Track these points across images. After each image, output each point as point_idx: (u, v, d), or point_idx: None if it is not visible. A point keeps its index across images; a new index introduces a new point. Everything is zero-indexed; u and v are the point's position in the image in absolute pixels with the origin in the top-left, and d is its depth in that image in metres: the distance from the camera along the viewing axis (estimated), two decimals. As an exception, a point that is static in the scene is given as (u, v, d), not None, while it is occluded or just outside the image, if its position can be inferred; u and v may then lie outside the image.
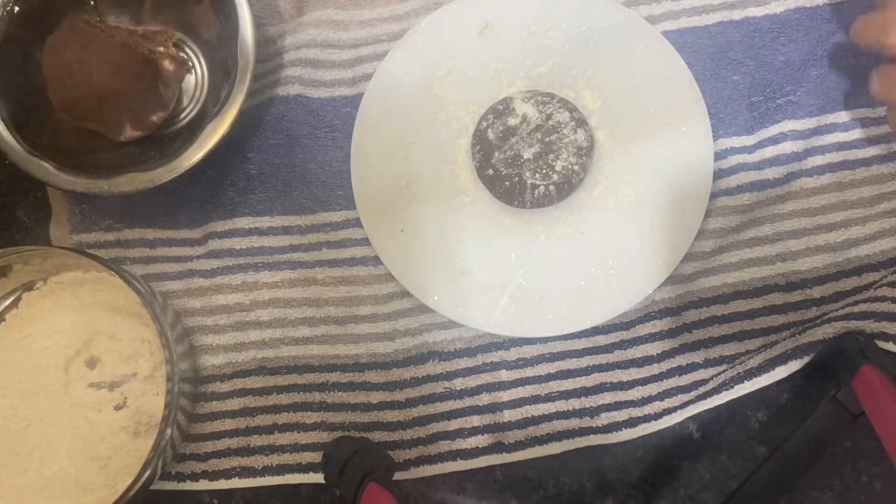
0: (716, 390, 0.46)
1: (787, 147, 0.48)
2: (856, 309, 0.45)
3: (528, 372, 0.48)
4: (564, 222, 0.48)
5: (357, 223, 0.49)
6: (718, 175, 0.48)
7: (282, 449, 0.48)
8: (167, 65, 0.49)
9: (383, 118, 0.50)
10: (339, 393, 0.48)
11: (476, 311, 0.47)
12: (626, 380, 0.47)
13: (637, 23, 0.49)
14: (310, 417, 0.48)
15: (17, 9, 0.47)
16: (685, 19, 0.50)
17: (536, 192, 0.47)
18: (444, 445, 0.47)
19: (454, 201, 0.49)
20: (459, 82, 0.50)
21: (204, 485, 0.48)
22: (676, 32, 0.50)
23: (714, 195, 0.48)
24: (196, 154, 0.46)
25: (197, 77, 0.52)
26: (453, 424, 0.47)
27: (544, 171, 0.47)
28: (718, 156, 0.48)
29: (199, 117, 0.51)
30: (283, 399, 0.48)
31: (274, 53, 0.52)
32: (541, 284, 0.48)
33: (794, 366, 0.45)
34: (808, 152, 0.48)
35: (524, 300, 0.48)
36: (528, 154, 0.48)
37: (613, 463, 0.47)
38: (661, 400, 0.46)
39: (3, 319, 0.49)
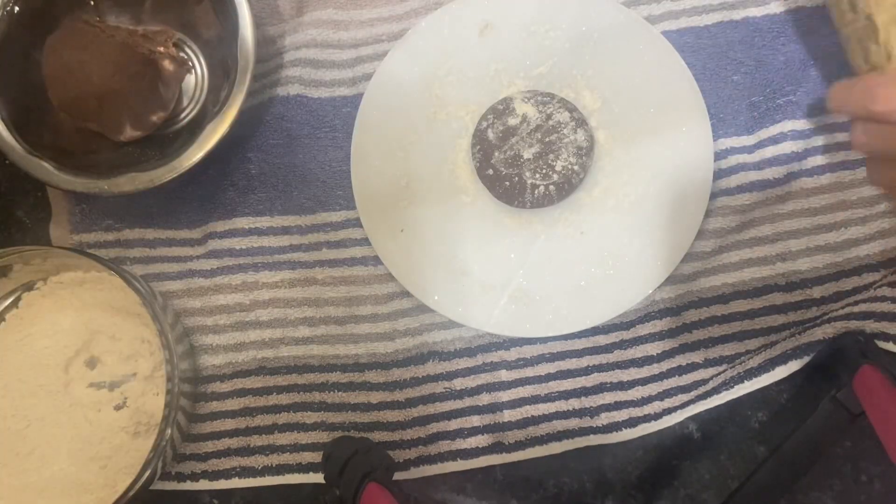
0: (716, 390, 0.46)
1: (787, 147, 0.48)
2: (856, 309, 0.45)
3: (528, 372, 0.48)
4: (564, 222, 0.48)
5: (357, 223, 0.49)
6: (718, 175, 0.48)
7: (282, 449, 0.48)
8: (167, 65, 0.49)
9: (383, 118, 0.50)
10: (339, 393, 0.48)
11: (476, 311, 0.47)
12: (626, 380, 0.47)
13: (637, 23, 0.49)
14: (310, 417, 0.48)
15: (17, 9, 0.47)
16: (685, 19, 0.50)
17: (536, 192, 0.47)
18: (444, 445, 0.47)
19: (454, 201, 0.49)
20: (459, 82, 0.50)
21: (204, 485, 0.48)
22: (676, 32, 0.50)
23: (714, 195, 0.48)
24: (196, 154, 0.46)
25: (197, 77, 0.52)
26: (453, 424, 0.47)
27: (544, 171, 0.47)
28: (718, 156, 0.48)
29: (199, 117, 0.51)
30: (283, 399, 0.48)
31: (274, 53, 0.52)
32: (541, 284, 0.48)
33: (794, 366, 0.45)
34: (808, 152, 0.48)
35: (524, 300, 0.48)
36: (528, 154, 0.48)
37: (613, 463, 0.47)
38: (661, 400, 0.46)
39: (3, 319, 0.49)
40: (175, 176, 0.46)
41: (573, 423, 0.47)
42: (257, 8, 0.51)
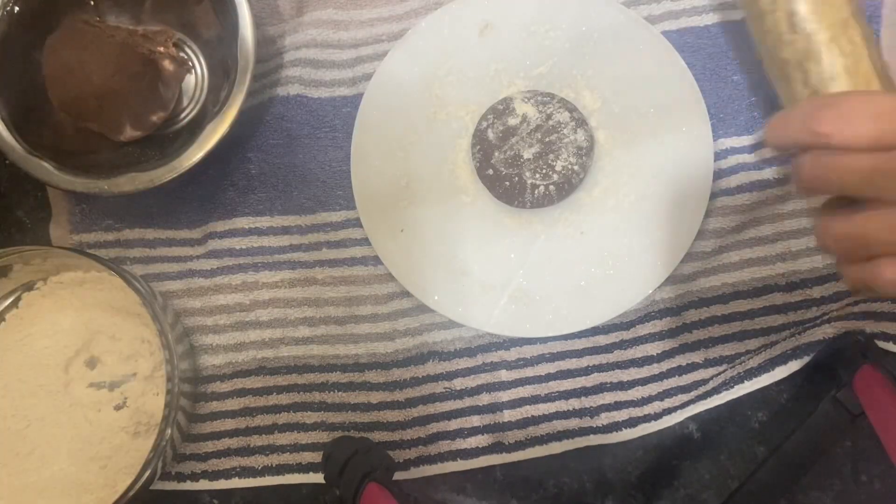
0: (716, 390, 0.46)
1: (787, 147, 0.48)
2: (856, 309, 0.45)
3: (528, 372, 0.48)
4: (564, 222, 0.48)
5: (357, 223, 0.49)
6: (718, 175, 0.48)
7: (282, 449, 0.48)
8: (167, 65, 0.49)
9: (383, 118, 0.50)
10: (339, 393, 0.48)
11: (476, 311, 0.47)
12: (626, 380, 0.47)
13: (637, 23, 0.49)
14: (310, 417, 0.48)
15: (17, 9, 0.47)
16: (685, 19, 0.50)
17: (536, 192, 0.47)
18: (444, 445, 0.47)
19: (454, 201, 0.49)
20: (459, 82, 0.50)
21: (204, 485, 0.48)
22: (676, 32, 0.49)
23: (714, 195, 0.48)
24: (196, 154, 0.46)
25: (197, 77, 0.52)
26: (453, 424, 0.47)
27: (544, 171, 0.47)
28: (718, 156, 0.48)
29: (199, 117, 0.51)
30: (283, 399, 0.48)
31: (274, 53, 0.52)
32: (541, 284, 0.48)
33: (794, 366, 0.45)
34: (808, 152, 0.48)
35: (524, 300, 0.48)
36: (528, 154, 0.48)
37: (613, 463, 0.47)
38: (661, 400, 0.46)
39: (3, 319, 0.49)
40: (175, 176, 0.46)
41: (573, 423, 0.47)
42: (257, 8, 0.51)
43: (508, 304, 0.48)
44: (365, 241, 0.49)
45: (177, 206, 0.51)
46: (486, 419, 0.47)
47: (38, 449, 0.46)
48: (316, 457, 0.47)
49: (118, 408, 0.47)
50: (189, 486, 0.48)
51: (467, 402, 0.48)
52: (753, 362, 0.45)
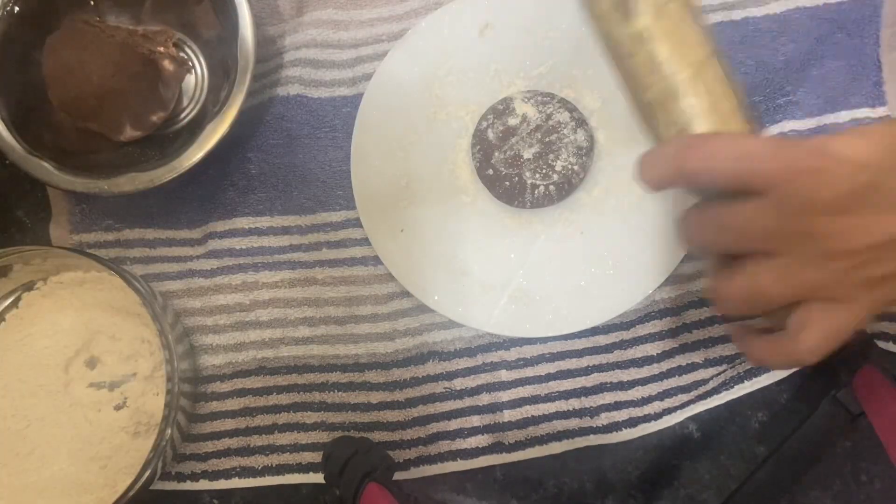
0: (716, 390, 0.46)
1: (787, 147, 0.48)
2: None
3: (528, 372, 0.48)
4: (564, 222, 0.48)
5: (357, 223, 0.49)
6: (718, 175, 0.48)
7: (282, 449, 0.48)
8: (167, 65, 0.49)
9: (383, 118, 0.50)
10: (339, 393, 0.48)
11: (476, 311, 0.47)
12: (626, 380, 0.47)
13: (637, 23, 0.49)
14: (310, 417, 0.48)
15: (17, 9, 0.47)
16: (685, 19, 0.50)
17: (536, 192, 0.47)
18: (444, 445, 0.47)
19: (454, 201, 0.49)
20: (459, 82, 0.50)
21: (204, 485, 0.48)
22: (676, 32, 0.49)
23: (714, 195, 0.48)
24: (196, 154, 0.46)
25: (197, 77, 0.52)
26: (453, 424, 0.47)
27: (544, 171, 0.47)
28: (718, 156, 0.48)
29: (199, 117, 0.51)
30: (283, 399, 0.48)
31: (274, 53, 0.52)
32: (541, 284, 0.48)
33: (794, 366, 0.45)
34: (808, 152, 0.48)
35: (524, 300, 0.48)
36: (528, 154, 0.48)
37: (613, 463, 0.47)
38: (661, 400, 0.46)
39: (3, 319, 0.49)
40: (175, 176, 0.46)
41: (573, 423, 0.47)
42: (257, 8, 0.51)
43: (508, 304, 0.48)
44: (365, 241, 0.49)
45: (177, 206, 0.51)
46: (486, 419, 0.47)
47: (38, 449, 0.46)
48: (316, 457, 0.47)
49: (118, 408, 0.47)
50: (189, 486, 0.48)
51: (467, 402, 0.48)
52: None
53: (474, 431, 0.47)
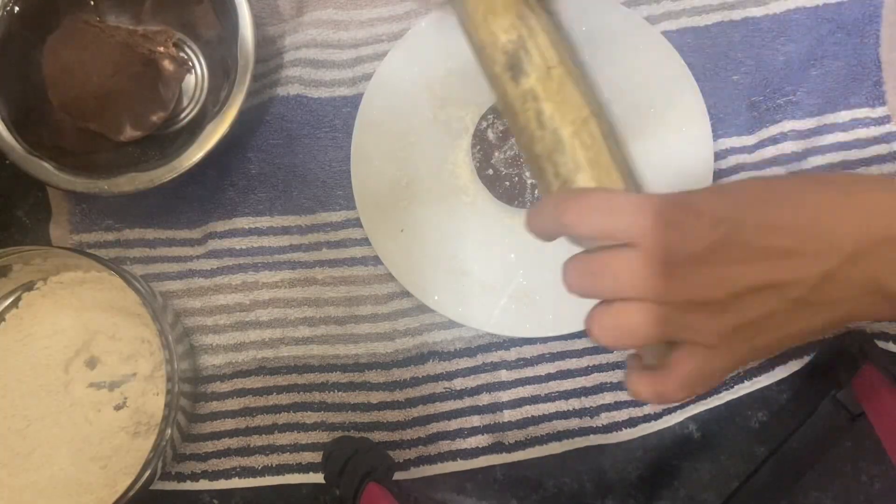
0: (716, 390, 0.46)
1: (787, 147, 0.48)
2: (856, 309, 0.44)
3: (528, 372, 0.48)
4: (564, 222, 0.48)
5: (357, 223, 0.49)
6: (718, 175, 0.48)
7: (282, 449, 0.48)
8: (167, 65, 0.49)
9: (383, 118, 0.50)
10: (339, 393, 0.48)
11: (476, 311, 0.47)
12: (626, 380, 0.47)
13: (637, 23, 0.49)
14: (310, 417, 0.48)
15: (17, 9, 0.47)
16: (685, 19, 0.50)
17: (537, 191, 0.47)
18: (444, 445, 0.47)
19: (454, 201, 0.49)
20: (459, 82, 0.50)
21: (204, 485, 0.48)
22: (676, 32, 0.50)
23: (714, 195, 0.48)
24: (196, 154, 0.46)
25: (197, 77, 0.52)
26: (453, 424, 0.47)
27: (544, 171, 0.47)
28: (718, 156, 0.48)
29: (199, 117, 0.51)
30: (283, 399, 0.48)
31: (274, 53, 0.52)
32: (541, 284, 0.48)
33: (794, 366, 0.45)
34: (808, 152, 0.48)
35: (524, 300, 0.48)
36: (528, 154, 0.48)
37: (613, 463, 0.47)
38: (662, 400, 0.46)
39: (3, 319, 0.49)
40: (175, 176, 0.46)
41: (573, 423, 0.47)
42: (257, 8, 0.51)
43: (508, 304, 0.48)
44: (365, 241, 0.49)
45: (177, 206, 0.51)
46: (486, 419, 0.47)
47: (38, 449, 0.46)
48: (316, 457, 0.47)
49: (118, 408, 0.47)
50: (189, 486, 0.48)
51: (467, 402, 0.48)
52: (753, 362, 0.45)
53: (474, 431, 0.47)
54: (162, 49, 0.49)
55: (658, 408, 0.46)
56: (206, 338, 0.49)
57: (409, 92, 0.50)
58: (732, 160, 0.49)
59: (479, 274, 0.48)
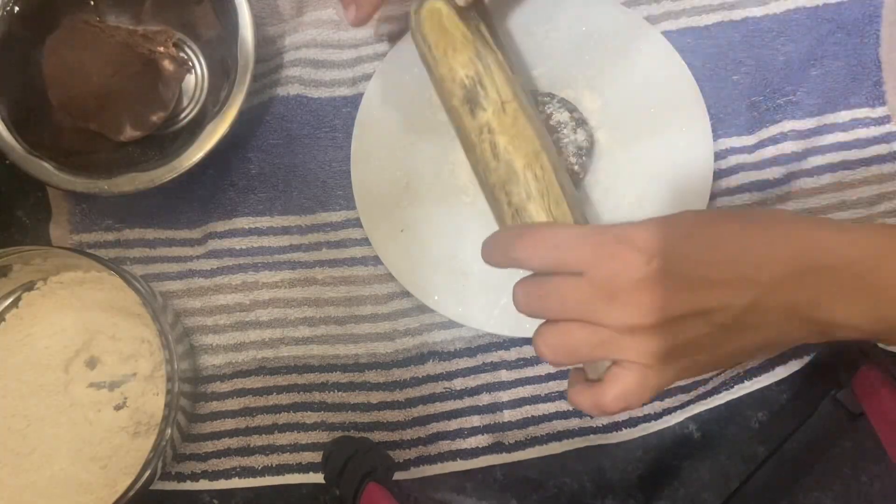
0: (716, 390, 0.46)
1: (787, 147, 0.48)
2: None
3: (528, 372, 0.48)
4: (564, 222, 0.48)
5: (357, 223, 0.49)
6: (718, 175, 0.48)
7: (282, 449, 0.48)
8: (167, 65, 0.49)
9: (383, 118, 0.50)
10: (339, 393, 0.48)
11: (476, 311, 0.47)
12: (626, 380, 0.47)
13: (637, 23, 0.49)
14: (310, 417, 0.48)
15: (17, 9, 0.47)
16: (685, 19, 0.50)
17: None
18: (444, 445, 0.47)
19: (454, 201, 0.49)
20: (459, 82, 0.50)
21: (204, 485, 0.48)
22: (676, 32, 0.50)
23: (714, 195, 0.48)
24: (196, 154, 0.46)
25: (197, 77, 0.52)
26: (453, 424, 0.47)
27: (544, 171, 0.47)
28: (718, 156, 0.48)
29: (199, 117, 0.51)
30: (283, 399, 0.48)
31: (274, 53, 0.52)
32: (541, 284, 0.48)
33: (794, 366, 0.45)
34: (808, 152, 0.48)
35: (524, 300, 0.48)
36: (528, 154, 0.48)
37: (613, 463, 0.47)
38: (661, 400, 0.46)
39: (3, 319, 0.49)
40: (175, 176, 0.46)
41: (573, 423, 0.47)
42: (257, 8, 0.51)
43: (509, 304, 0.47)
44: (365, 241, 0.49)
45: (177, 206, 0.51)
46: (486, 419, 0.47)
47: (38, 449, 0.46)
48: (316, 457, 0.47)
49: (118, 408, 0.47)
50: (189, 486, 0.48)
51: (467, 402, 0.48)
52: (754, 362, 0.45)
53: (474, 431, 0.47)
54: (162, 49, 0.49)
55: (658, 408, 0.46)
56: (206, 338, 0.49)
57: (410, 92, 0.50)
58: (732, 160, 0.49)
59: (479, 274, 0.48)
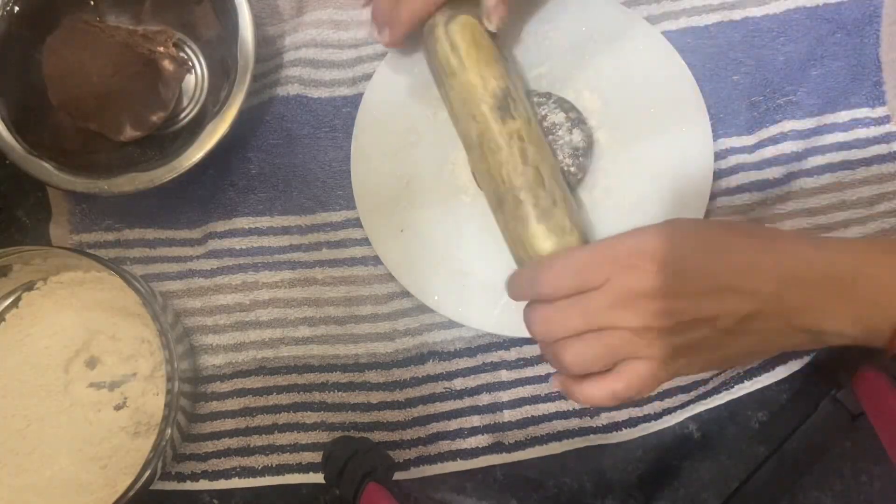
0: (716, 390, 0.46)
1: (787, 147, 0.48)
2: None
3: (528, 372, 0.48)
4: (564, 222, 0.48)
5: (357, 223, 0.49)
6: (718, 175, 0.48)
7: (282, 449, 0.48)
8: (167, 65, 0.49)
9: (383, 118, 0.50)
10: (339, 393, 0.48)
11: (476, 311, 0.47)
12: (626, 380, 0.47)
13: (637, 23, 0.49)
14: (310, 417, 0.48)
15: (17, 9, 0.47)
16: (685, 19, 0.50)
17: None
18: (444, 445, 0.47)
19: (454, 201, 0.49)
20: (459, 82, 0.50)
21: (204, 485, 0.48)
22: (676, 32, 0.50)
23: (714, 195, 0.48)
24: (196, 154, 0.46)
25: (197, 77, 0.52)
26: (453, 424, 0.47)
27: (544, 171, 0.47)
28: (718, 156, 0.48)
29: (199, 117, 0.51)
30: (283, 399, 0.48)
31: (274, 53, 0.52)
32: (541, 284, 0.48)
33: (794, 366, 0.45)
34: (808, 152, 0.48)
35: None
36: (527, 154, 0.48)
37: (613, 463, 0.47)
38: (661, 400, 0.46)
39: (3, 319, 0.49)
40: (175, 176, 0.46)
41: (573, 423, 0.47)
42: (257, 8, 0.51)
43: (508, 304, 0.47)
44: (365, 241, 0.49)
45: (177, 206, 0.51)
46: (486, 419, 0.47)
47: (38, 449, 0.46)
48: (316, 457, 0.47)
49: (118, 408, 0.47)
50: (189, 486, 0.48)
51: (467, 402, 0.48)
52: (753, 362, 0.45)
53: (474, 431, 0.47)
54: (162, 49, 0.49)
55: (658, 408, 0.46)
56: (206, 338, 0.49)
57: (410, 91, 0.50)
58: (732, 160, 0.49)
59: (479, 274, 0.48)
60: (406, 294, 0.49)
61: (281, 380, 0.48)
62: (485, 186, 0.45)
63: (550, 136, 0.47)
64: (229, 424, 0.48)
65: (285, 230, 0.50)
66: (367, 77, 0.50)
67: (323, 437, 0.48)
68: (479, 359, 0.48)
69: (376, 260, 0.49)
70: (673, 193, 0.47)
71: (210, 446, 0.48)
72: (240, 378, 0.49)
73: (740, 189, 0.48)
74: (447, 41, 0.44)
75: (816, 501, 0.46)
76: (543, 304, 0.38)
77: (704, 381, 0.46)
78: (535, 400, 0.47)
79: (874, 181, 0.48)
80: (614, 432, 0.46)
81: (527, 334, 0.47)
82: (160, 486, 0.47)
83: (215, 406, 0.48)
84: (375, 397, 0.48)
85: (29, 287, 0.49)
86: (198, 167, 0.46)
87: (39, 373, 0.47)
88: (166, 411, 0.42)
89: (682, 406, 0.46)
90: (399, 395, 0.48)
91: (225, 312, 0.49)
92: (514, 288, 0.40)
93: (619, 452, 0.47)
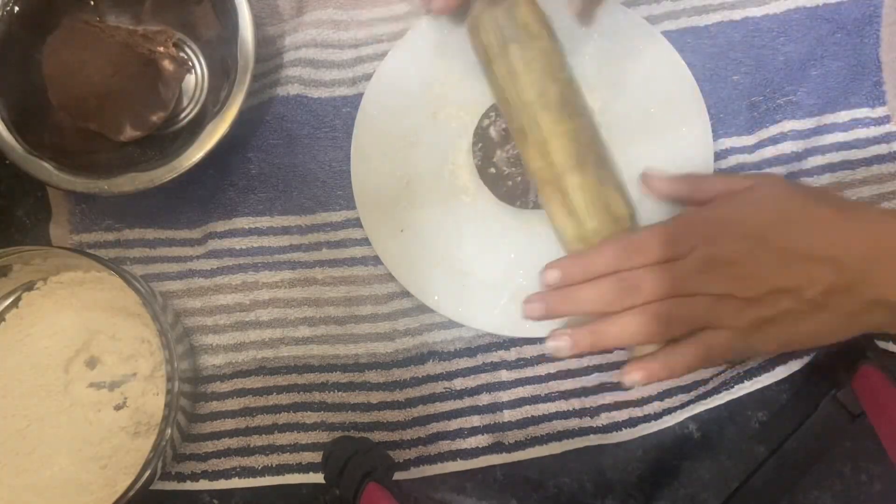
0: (716, 390, 0.46)
1: (787, 147, 0.48)
2: (856, 309, 0.45)
3: (528, 372, 0.48)
4: (564, 222, 0.48)
5: (357, 223, 0.49)
6: (718, 175, 0.48)
7: (282, 449, 0.48)
8: (167, 65, 0.49)
9: (383, 118, 0.50)
10: (339, 393, 0.48)
11: (476, 311, 0.47)
12: (626, 380, 0.47)
13: (637, 23, 0.49)
14: (310, 417, 0.48)
15: (17, 9, 0.47)
16: (685, 19, 0.50)
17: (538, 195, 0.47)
18: (444, 445, 0.47)
19: (455, 201, 0.49)
20: (460, 82, 0.50)
21: (204, 485, 0.48)
22: (676, 32, 0.50)
23: (714, 195, 0.48)
24: (196, 154, 0.46)
25: (197, 77, 0.52)
26: (453, 424, 0.47)
27: (544, 171, 0.47)
28: (718, 156, 0.48)
29: (199, 117, 0.51)
30: (283, 399, 0.48)
31: (274, 53, 0.52)
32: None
33: (794, 366, 0.45)
34: (808, 152, 0.48)
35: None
36: (528, 154, 0.48)
37: (613, 463, 0.47)
38: (661, 400, 0.46)
39: (3, 319, 0.49)
40: (175, 176, 0.46)
41: (573, 423, 0.47)
42: (257, 8, 0.51)
43: (509, 304, 0.48)
44: (365, 241, 0.49)
45: (177, 206, 0.51)
46: (486, 419, 0.47)
47: (38, 449, 0.46)
48: (316, 457, 0.47)
49: (118, 408, 0.47)
50: (189, 486, 0.48)
51: (467, 402, 0.48)
52: (753, 362, 0.45)
53: (474, 431, 0.47)
54: (162, 49, 0.49)
55: (658, 408, 0.46)
56: (206, 338, 0.49)
57: (410, 92, 0.50)
58: (732, 160, 0.49)
59: (479, 274, 0.48)
60: (406, 294, 0.49)
61: (281, 380, 0.48)
62: (561, 147, 0.44)
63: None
64: (229, 424, 0.48)
65: (285, 230, 0.50)
66: (367, 77, 0.50)
67: (323, 437, 0.48)
68: (479, 359, 0.48)
69: (376, 260, 0.49)
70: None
71: (210, 446, 0.48)
72: (240, 378, 0.49)
73: (740, 189, 0.48)
74: (530, 4, 0.45)
75: (816, 501, 0.46)
76: (627, 272, 0.39)
77: (704, 381, 0.46)
78: (534, 400, 0.47)
79: (874, 181, 0.48)
80: (614, 432, 0.46)
81: (526, 334, 0.47)
82: (160, 486, 0.47)
83: (215, 406, 0.48)
84: (375, 397, 0.48)
85: (29, 287, 0.49)
86: (198, 167, 0.46)
87: (39, 373, 0.47)
88: (166, 411, 0.42)
89: (682, 406, 0.46)
90: (399, 395, 0.48)
91: (225, 312, 0.49)
92: (595, 256, 0.41)
93: (618, 452, 0.47)
